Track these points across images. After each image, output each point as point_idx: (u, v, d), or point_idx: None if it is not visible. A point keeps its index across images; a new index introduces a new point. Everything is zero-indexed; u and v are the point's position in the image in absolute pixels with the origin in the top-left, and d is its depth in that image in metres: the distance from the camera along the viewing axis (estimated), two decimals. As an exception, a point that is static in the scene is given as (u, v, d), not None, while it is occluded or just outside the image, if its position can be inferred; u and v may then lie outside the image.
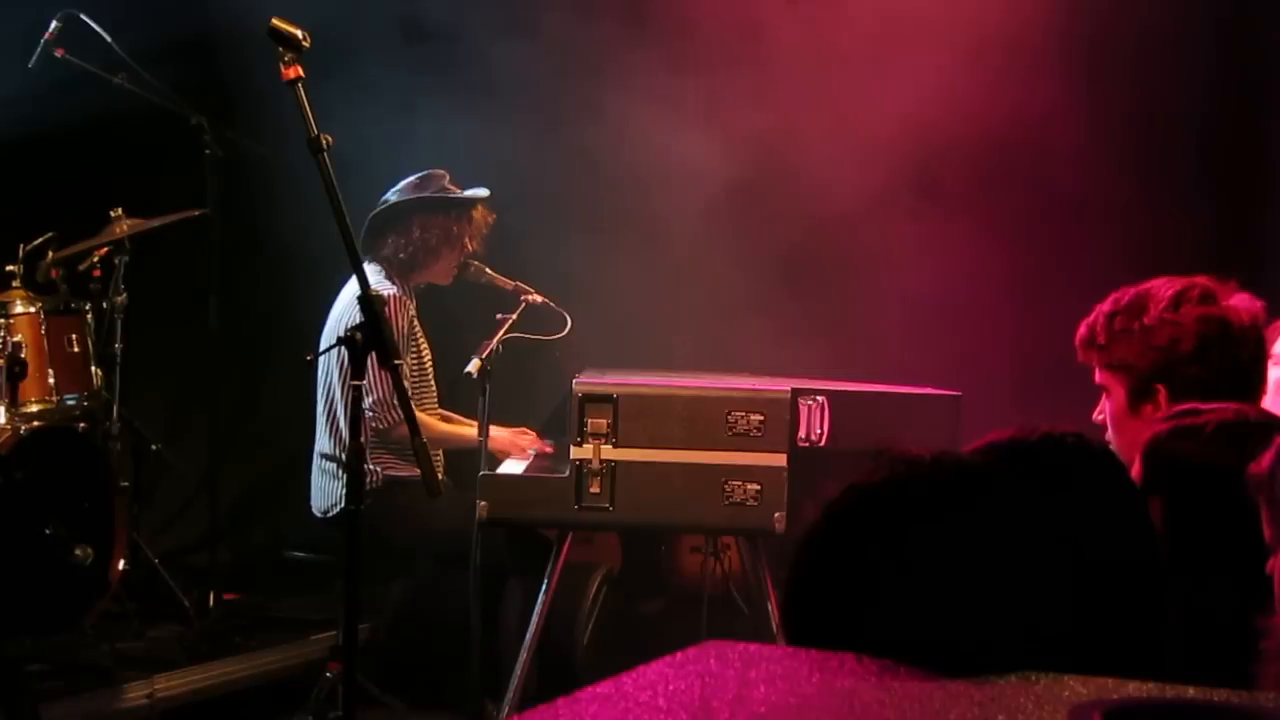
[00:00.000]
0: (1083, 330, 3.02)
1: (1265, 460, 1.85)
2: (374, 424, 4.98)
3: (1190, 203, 5.99)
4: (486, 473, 4.50)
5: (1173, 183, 6.02)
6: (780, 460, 4.21)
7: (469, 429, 5.24)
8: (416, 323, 5.25)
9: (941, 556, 1.30)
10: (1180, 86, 6.00)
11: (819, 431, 4.28)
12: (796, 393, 4.28)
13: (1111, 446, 2.96)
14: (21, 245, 5.31)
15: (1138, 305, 2.94)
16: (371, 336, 3.53)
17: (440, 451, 5.18)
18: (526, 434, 5.26)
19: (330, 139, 3.55)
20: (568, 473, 4.25)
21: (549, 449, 5.14)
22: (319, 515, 5.22)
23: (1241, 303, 2.92)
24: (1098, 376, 3.01)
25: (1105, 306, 2.99)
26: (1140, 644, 1.34)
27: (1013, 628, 1.27)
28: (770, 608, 4.48)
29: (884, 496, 1.35)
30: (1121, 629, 1.33)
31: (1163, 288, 2.93)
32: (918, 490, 1.34)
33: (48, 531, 4.98)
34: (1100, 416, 3.02)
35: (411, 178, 5.26)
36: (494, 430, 4.99)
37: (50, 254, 5.38)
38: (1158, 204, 5.96)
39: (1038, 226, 6.15)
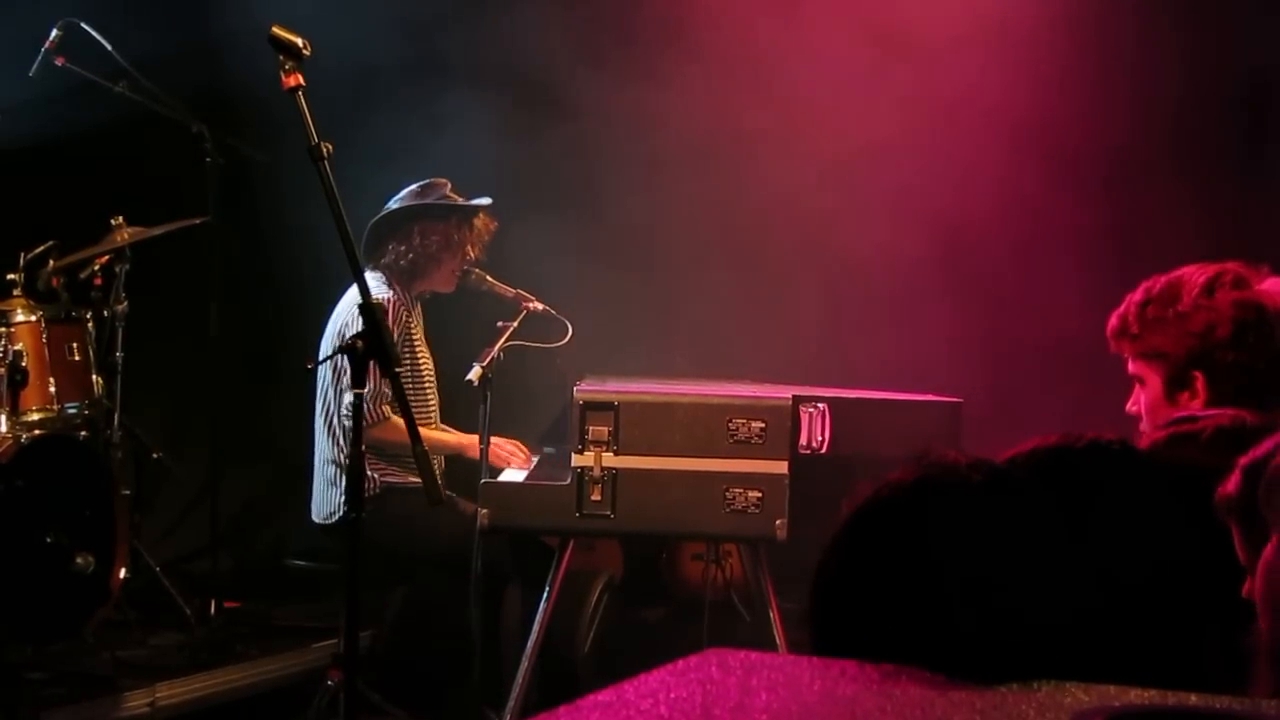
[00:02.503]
0: (1114, 321, 2.99)
1: (1231, 484, 1.84)
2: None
3: (1189, 209, 5.99)
4: (488, 480, 4.50)
5: (1176, 188, 6.02)
6: (781, 467, 4.21)
7: (447, 435, 5.25)
8: (416, 333, 5.23)
9: (965, 561, 1.30)
10: (1181, 88, 6.00)
11: (820, 438, 4.27)
12: (798, 400, 4.28)
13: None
14: (22, 253, 5.31)
15: (1170, 293, 2.91)
16: (373, 344, 3.54)
17: (441, 459, 5.18)
18: (516, 448, 5.24)
19: (330, 147, 3.55)
20: (569, 480, 4.25)
21: (531, 462, 5.14)
22: (318, 522, 5.22)
23: (1274, 287, 2.90)
24: (1131, 367, 2.98)
25: (1137, 295, 2.96)
26: (1161, 657, 1.33)
27: (1033, 636, 1.27)
28: (772, 614, 4.47)
29: (914, 498, 1.35)
30: (1142, 642, 1.33)
31: (1194, 274, 2.91)
32: (948, 494, 1.34)
33: (49, 540, 4.98)
34: (1134, 407, 2.99)
35: (413, 185, 5.26)
36: (474, 439, 5.00)
37: (51, 262, 5.38)
38: (1158, 212, 5.96)
39: (1041, 231, 6.15)
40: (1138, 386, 2.98)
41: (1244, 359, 2.83)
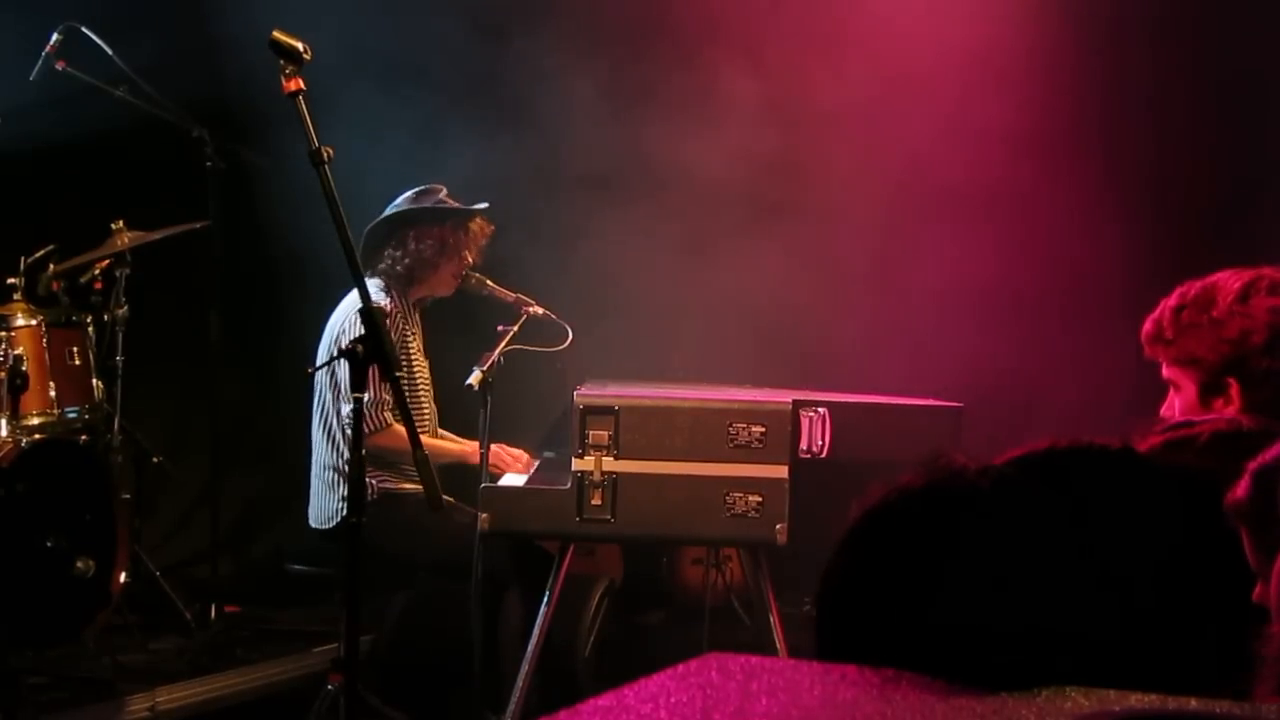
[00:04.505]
0: (1149, 325, 2.97)
1: (1241, 489, 1.83)
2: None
3: (1196, 214, 5.99)
4: (488, 485, 4.50)
5: (1177, 193, 6.02)
6: (782, 472, 4.21)
7: (448, 443, 5.25)
8: (413, 341, 5.21)
9: (976, 568, 1.31)
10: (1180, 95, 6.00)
11: (820, 443, 4.27)
12: (798, 404, 4.28)
13: None
14: (23, 258, 5.31)
15: (1205, 298, 2.89)
16: (373, 348, 3.54)
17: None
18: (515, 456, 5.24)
19: (331, 151, 3.55)
20: (569, 484, 4.25)
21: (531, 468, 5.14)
22: (316, 527, 5.21)
23: None
24: (1165, 372, 2.96)
25: (1171, 301, 2.93)
26: (1164, 662, 1.33)
27: (1043, 643, 1.27)
28: (772, 619, 4.47)
29: (924, 505, 1.35)
30: (1146, 648, 1.33)
31: (1229, 280, 2.89)
32: (957, 501, 1.34)
33: (49, 544, 4.98)
34: (1169, 412, 2.97)
35: (409, 191, 5.26)
36: (474, 446, 4.99)
37: (51, 266, 5.38)
38: (1161, 216, 5.96)
39: (1043, 236, 6.15)
40: (1172, 391, 2.97)
41: (1279, 366, 2.82)
